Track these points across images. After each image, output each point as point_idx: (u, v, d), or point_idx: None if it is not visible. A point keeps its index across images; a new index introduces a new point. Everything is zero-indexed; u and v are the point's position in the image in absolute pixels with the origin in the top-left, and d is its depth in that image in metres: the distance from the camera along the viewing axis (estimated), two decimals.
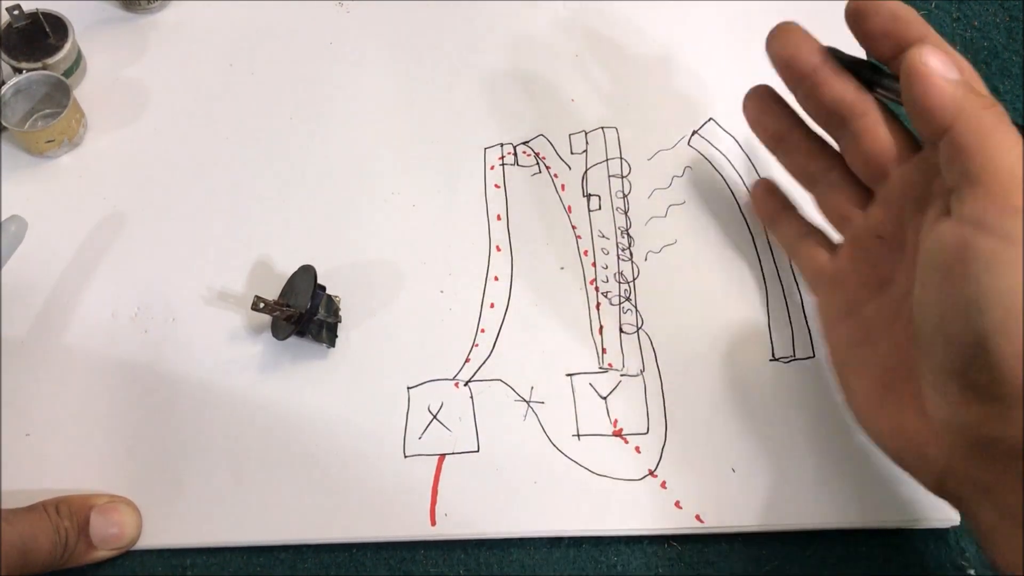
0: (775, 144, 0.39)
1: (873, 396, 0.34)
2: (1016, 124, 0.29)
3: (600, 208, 0.45)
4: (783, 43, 0.35)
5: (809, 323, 0.42)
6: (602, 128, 0.47)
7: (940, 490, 0.32)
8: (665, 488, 0.39)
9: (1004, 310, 0.27)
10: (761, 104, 0.39)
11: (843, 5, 0.50)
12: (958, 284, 0.28)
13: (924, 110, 0.30)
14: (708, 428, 0.40)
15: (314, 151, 0.47)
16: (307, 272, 0.41)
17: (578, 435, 0.40)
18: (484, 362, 0.42)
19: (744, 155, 0.46)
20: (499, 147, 0.47)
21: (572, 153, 0.46)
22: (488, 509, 0.39)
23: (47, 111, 0.47)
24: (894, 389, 0.33)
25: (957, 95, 0.29)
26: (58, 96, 0.46)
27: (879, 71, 0.35)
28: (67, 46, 0.46)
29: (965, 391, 0.28)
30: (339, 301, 0.43)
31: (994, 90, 0.49)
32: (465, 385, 0.41)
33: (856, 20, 0.33)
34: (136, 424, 0.41)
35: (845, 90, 0.34)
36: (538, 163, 0.46)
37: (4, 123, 0.44)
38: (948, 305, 0.28)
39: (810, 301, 0.42)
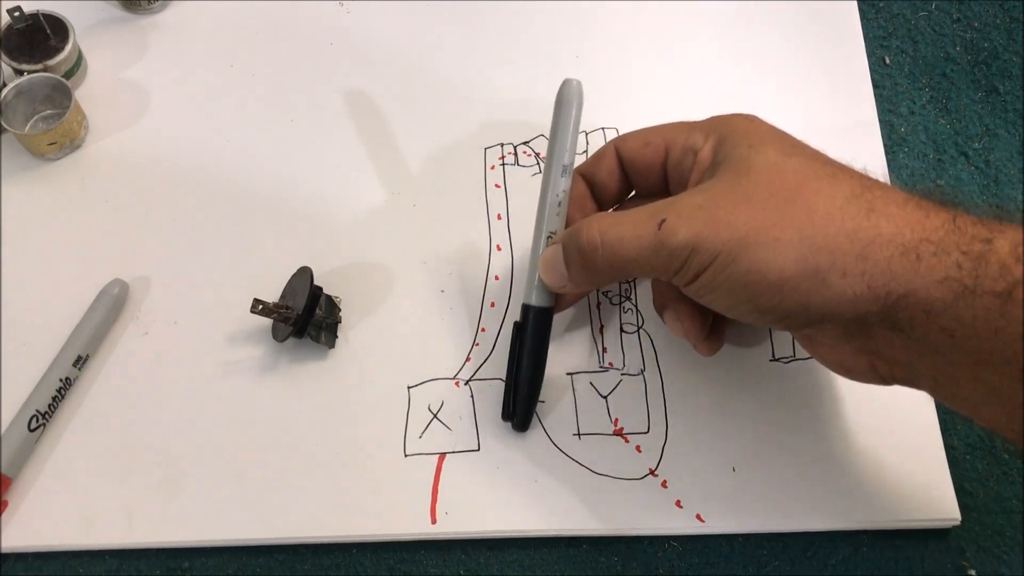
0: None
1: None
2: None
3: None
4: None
5: None
6: (602, 128, 0.47)
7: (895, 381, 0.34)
8: (666, 488, 0.39)
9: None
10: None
11: (842, 5, 0.50)
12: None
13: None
14: (709, 428, 0.40)
15: (314, 151, 0.47)
16: (304, 274, 0.41)
17: (579, 434, 0.40)
18: (484, 361, 0.42)
19: None
20: (499, 147, 0.47)
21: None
22: (488, 508, 0.39)
23: (48, 112, 0.47)
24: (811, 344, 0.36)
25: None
26: (59, 97, 0.46)
27: None
28: (68, 47, 0.46)
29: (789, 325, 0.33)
30: (339, 301, 0.43)
31: (994, 90, 0.49)
32: (466, 384, 0.41)
33: None
34: (136, 425, 0.41)
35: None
36: (538, 163, 0.46)
37: (5, 125, 0.44)
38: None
39: None
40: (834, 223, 0.30)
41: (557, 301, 0.39)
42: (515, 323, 0.39)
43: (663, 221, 0.32)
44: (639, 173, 0.38)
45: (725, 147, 0.34)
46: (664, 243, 0.32)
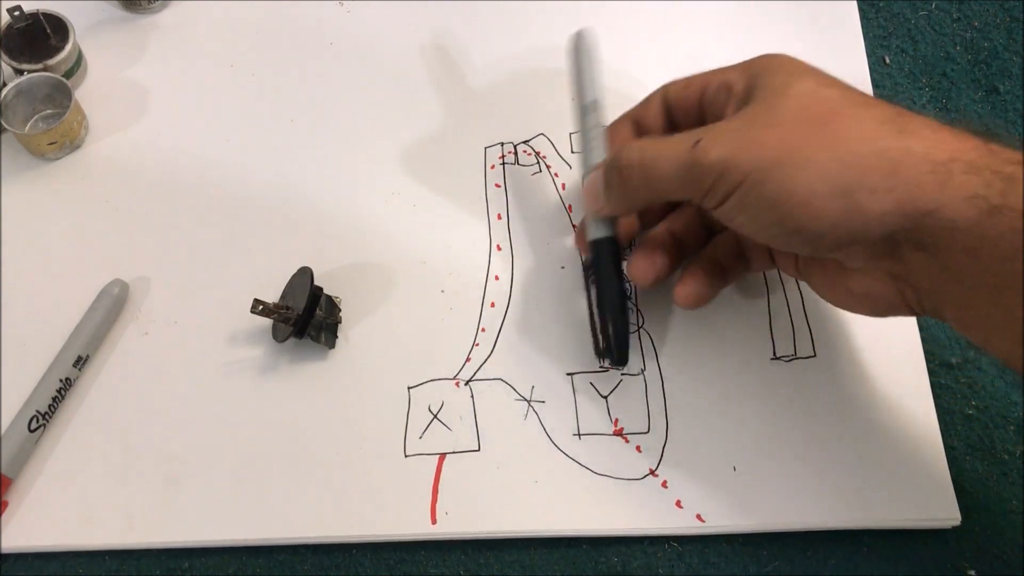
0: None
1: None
2: None
3: None
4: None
5: (810, 322, 0.42)
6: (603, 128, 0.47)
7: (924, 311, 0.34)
8: (666, 488, 0.39)
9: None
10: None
11: (842, 5, 0.50)
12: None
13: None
14: (709, 428, 0.40)
15: (314, 151, 0.47)
16: (304, 274, 0.41)
17: (579, 434, 0.40)
18: (485, 361, 0.42)
19: None
20: (499, 146, 0.47)
21: (573, 152, 0.47)
22: (489, 508, 0.39)
23: (48, 112, 0.47)
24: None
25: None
26: (59, 97, 0.46)
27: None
28: (68, 47, 0.46)
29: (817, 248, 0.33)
30: (339, 301, 0.43)
31: (994, 90, 0.49)
32: (466, 384, 0.41)
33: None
34: (136, 425, 0.41)
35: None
36: (539, 162, 0.46)
37: (5, 125, 0.44)
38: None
39: (811, 300, 0.42)
40: (865, 143, 0.31)
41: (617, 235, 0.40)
42: (583, 261, 0.42)
43: (698, 141, 0.33)
44: (682, 113, 0.39)
45: (762, 78, 0.35)
46: (697, 161, 0.33)
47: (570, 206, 0.45)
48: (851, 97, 0.33)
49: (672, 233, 0.41)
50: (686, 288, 0.40)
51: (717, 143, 0.33)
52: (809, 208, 0.31)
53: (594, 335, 0.41)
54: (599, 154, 0.40)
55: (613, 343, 0.39)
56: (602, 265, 0.40)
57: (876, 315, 0.35)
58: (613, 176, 0.37)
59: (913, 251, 0.31)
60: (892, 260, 0.32)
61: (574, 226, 0.45)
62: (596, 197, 0.38)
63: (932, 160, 0.30)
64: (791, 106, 0.32)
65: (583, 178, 0.40)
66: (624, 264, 0.40)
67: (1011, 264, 0.29)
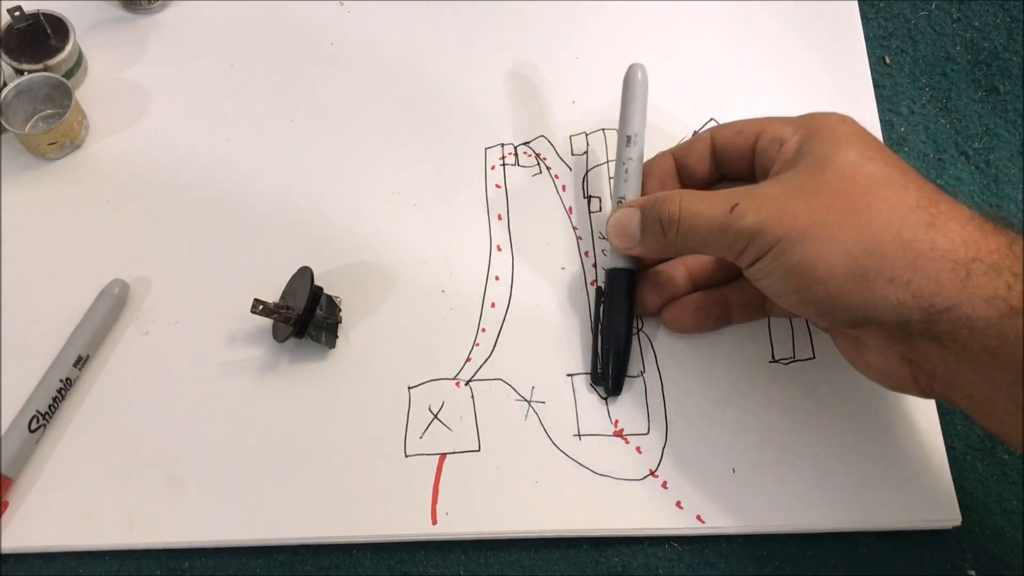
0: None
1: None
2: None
3: (600, 210, 0.45)
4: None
5: (809, 325, 0.42)
6: (603, 130, 0.47)
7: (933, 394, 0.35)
8: (666, 488, 0.39)
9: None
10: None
11: (842, 5, 0.50)
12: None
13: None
14: (709, 429, 0.40)
15: (315, 151, 0.47)
16: (305, 274, 0.41)
17: (579, 435, 0.40)
18: (485, 361, 0.42)
19: None
20: (500, 147, 0.47)
21: (573, 154, 0.47)
22: (489, 508, 0.39)
23: (48, 112, 0.47)
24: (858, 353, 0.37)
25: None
26: (59, 97, 0.46)
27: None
28: (68, 47, 0.46)
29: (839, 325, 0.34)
30: (339, 301, 0.43)
31: (994, 90, 0.49)
32: (466, 384, 0.41)
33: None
34: (137, 425, 0.41)
35: None
36: (539, 163, 0.46)
37: (6, 125, 0.44)
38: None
39: None
40: (891, 230, 0.31)
41: (638, 263, 0.42)
42: (597, 288, 0.43)
43: (736, 205, 0.34)
44: (729, 159, 0.40)
45: (811, 142, 0.35)
46: (732, 225, 0.34)
47: (570, 207, 0.45)
48: (890, 176, 0.33)
49: (687, 267, 0.42)
50: (677, 313, 0.41)
51: (754, 209, 0.34)
52: (826, 285, 0.32)
53: (594, 359, 0.41)
54: (632, 187, 0.41)
55: (611, 374, 0.40)
56: (615, 295, 0.41)
57: (892, 390, 0.36)
58: (651, 224, 0.38)
59: (928, 342, 0.32)
60: (906, 345, 0.33)
61: (575, 227, 0.45)
62: (627, 236, 0.39)
63: (954, 258, 0.30)
64: (830, 180, 0.33)
65: (613, 206, 0.41)
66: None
67: None
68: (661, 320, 0.42)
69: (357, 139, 0.47)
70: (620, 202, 0.41)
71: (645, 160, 0.42)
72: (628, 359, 0.41)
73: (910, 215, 0.31)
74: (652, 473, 0.40)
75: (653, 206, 0.37)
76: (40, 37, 0.46)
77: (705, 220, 0.35)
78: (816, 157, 0.34)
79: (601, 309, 0.42)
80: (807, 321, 0.42)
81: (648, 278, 0.41)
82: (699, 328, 0.41)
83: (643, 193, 0.41)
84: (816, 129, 0.35)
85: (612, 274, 0.41)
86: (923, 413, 0.41)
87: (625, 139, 0.42)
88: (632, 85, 0.42)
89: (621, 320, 0.41)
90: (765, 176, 0.37)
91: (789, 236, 0.32)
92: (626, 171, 0.41)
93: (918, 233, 0.31)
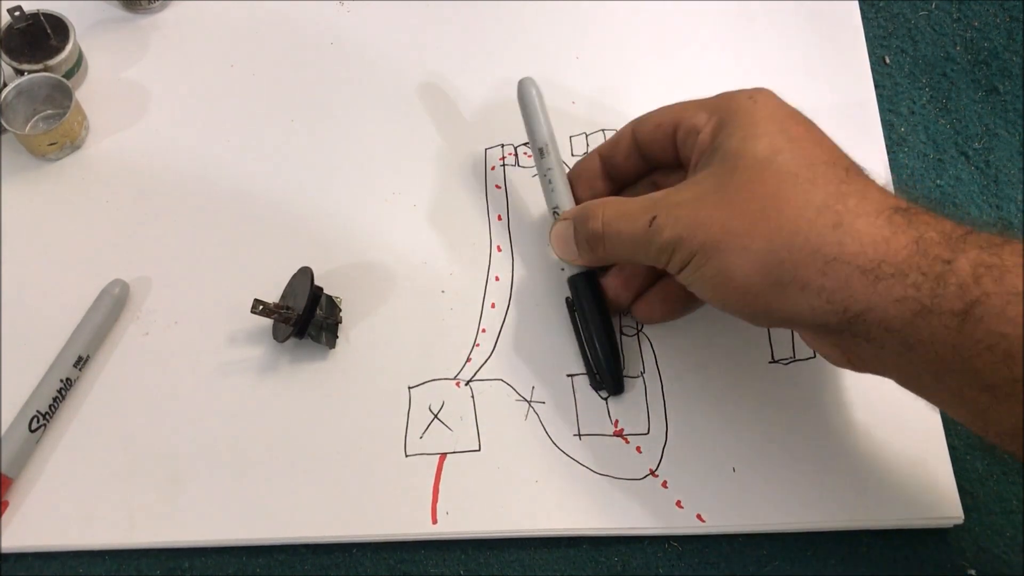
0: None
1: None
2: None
3: None
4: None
5: None
6: (603, 130, 0.47)
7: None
8: (666, 488, 0.39)
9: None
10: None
11: (842, 5, 0.50)
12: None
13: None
14: (708, 429, 0.40)
15: (315, 151, 0.47)
16: (305, 274, 0.41)
17: (579, 435, 0.40)
18: (485, 362, 0.42)
19: None
20: (500, 147, 0.47)
21: (573, 155, 0.46)
22: (489, 508, 0.39)
23: (48, 112, 0.47)
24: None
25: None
26: (59, 97, 0.46)
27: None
28: (68, 47, 0.46)
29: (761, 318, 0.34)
30: (339, 301, 0.43)
31: (994, 90, 0.49)
32: (466, 384, 0.41)
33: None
34: (137, 425, 0.41)
35: None
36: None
37: (6, 125, 0.44)
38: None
39: None
40: (800, 235, 0.31)
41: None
42: (566, 299, 0.42)
43: (654, 218, 0.35)
44: (653, 153, 0.40)
45: (723, 133, 0.35)
46: (653, 240, 0.35)
47: None
48: (798, 173, 0.32)
49: None
50: (645, 307, 0.41)
51: (669, 223, 0.34)
52: (744, 295, 0.33)
53: (588, 368, 0.41)
54: (562, 196, 0.41)
55: (607, 375, 0.40)
56: (583, 301, 0.41)
57: (836, 365, 0.36)
58: (582, 240, 0.39)
59: (851, 337, 0.32)
60: (834, 337, 0.33)
61: None
62: (568, 249, 0.40)
63: (861, 263, 0.30)
64: (739, 182, 0.33)
65: (550, 222, 0.41)
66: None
67: (948, 358, 0.29)
68: (633, 316, 0.42)
69: (357, 139, 0.47)
70: (555, 213, 0.41)
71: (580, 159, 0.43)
72: (619, 356, 0.41)
73: (817, 217, 0.31)
74: (652, 473, 0.40)
75: (579, 221, 0.39)
76: (40, 37, 0.46)
77: (628, 236, 0.36)
78: (726, 154, 0.34)
79: (577, 318, 0.41)
80: None
81: (614, 274, 0.41)
82: (670, 316, 0.41)
83: (575, 198, 0.42)
84: (728, 115, 0.35)
85: (574, 281, 0.41)
86: (924, 412, 0.40)
87: (538, 152, 0.42)
88: (526, 100, 0.43)
89: (597, 322, 0.40)
90: (688, 164, 0.38)
91: (704, 248, 0.33)
92: (550, 182, 0.42)
93: (826, 236, 0.31)
